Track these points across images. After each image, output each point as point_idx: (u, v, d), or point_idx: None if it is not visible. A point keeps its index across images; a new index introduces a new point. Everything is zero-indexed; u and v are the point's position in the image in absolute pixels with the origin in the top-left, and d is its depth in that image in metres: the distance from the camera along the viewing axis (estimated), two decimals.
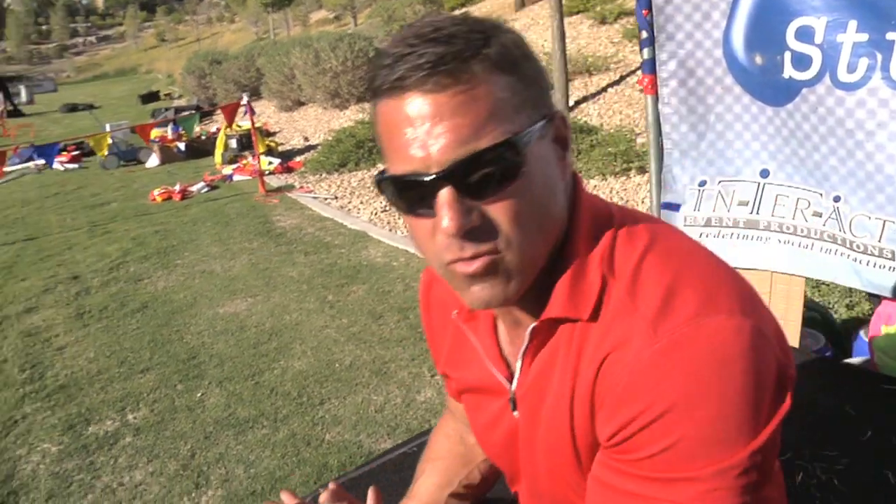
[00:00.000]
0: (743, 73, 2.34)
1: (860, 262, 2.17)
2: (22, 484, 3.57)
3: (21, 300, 6.37)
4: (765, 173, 2.39)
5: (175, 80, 34.23)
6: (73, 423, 4.07)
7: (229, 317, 5.47)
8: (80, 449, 3.80)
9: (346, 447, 3.53)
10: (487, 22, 0.87)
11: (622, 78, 9.73)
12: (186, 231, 8.28)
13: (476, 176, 0.81)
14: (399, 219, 7.64)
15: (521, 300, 0.91)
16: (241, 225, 8.31)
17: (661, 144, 2.61)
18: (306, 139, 13.89)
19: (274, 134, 15.12)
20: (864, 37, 2.00)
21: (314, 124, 15.28)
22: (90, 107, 29.29)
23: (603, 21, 12.18)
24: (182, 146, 13.79)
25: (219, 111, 13.17)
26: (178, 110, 19.02)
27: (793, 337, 2.63)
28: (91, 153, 12.75)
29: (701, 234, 2.55)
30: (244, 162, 11.73)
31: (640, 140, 7.45)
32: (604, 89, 9.74)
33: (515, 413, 1.04)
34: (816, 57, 2.09)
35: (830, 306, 4.11)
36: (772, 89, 2.25)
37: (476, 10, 18.49)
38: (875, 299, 2.54)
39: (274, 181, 10.70)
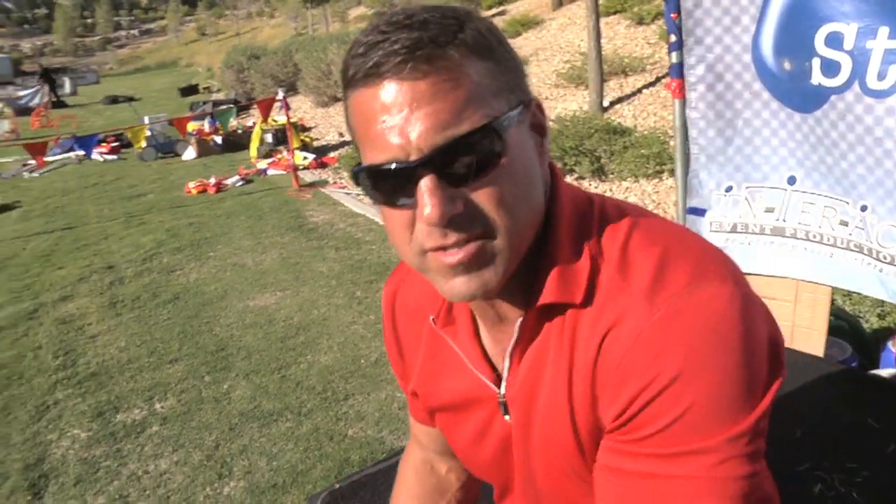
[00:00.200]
0: (771, 78, 2.32)
1: (887, 272, 2.14)
2: (52, 468, 3.64)
3: (57, 288, 6.49)
4: (792, 180, 2.36)
5: (214, 74, 34.60)
6: (103, 411, 4.14)
7: (258, 310, 5.52)
8: (108, 436, 3.87)
9: (368, 443, 3.55)
10: (459, 9, 0.85)
11: (658, 79, 9.65)
12: (220, 224, 8.37)
13: (458, 162, 0.79)
14: None
15: (506, 293, 0.90)
16: (273, 219, 8.38)
17: (688, 149, 2.59)
18: (341, 135, 13.96)
19: (309, 129, 15.20)
20: (894, 44, 1.97)
21: None
22: (130, 99, 29.71)
23: (640, 22, 12.09)
24: (218, 139, 13.94)
25: (255, 106, 13.29)
26: (215, 104, 19.23)
27: (818, 346, 2.60)
28: (130, 145, 12.95)
29: (727, 240, 2.53)
30: (279, 156, 11.83)
31: (673, 142, 7.37)
32: (639, 90, 9.67)
33: (507, 417, 1.00)
34: (846, 63, 2.06)
35: (861, 315, 4.06)
36: (800, 95, 2.23)
37: (513, 9, 18.44)
38: None
39: (308, 176, 10.78)
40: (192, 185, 10.43)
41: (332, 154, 12.17)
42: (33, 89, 30.95)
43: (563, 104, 10.11)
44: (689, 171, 2.60)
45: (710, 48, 2.43)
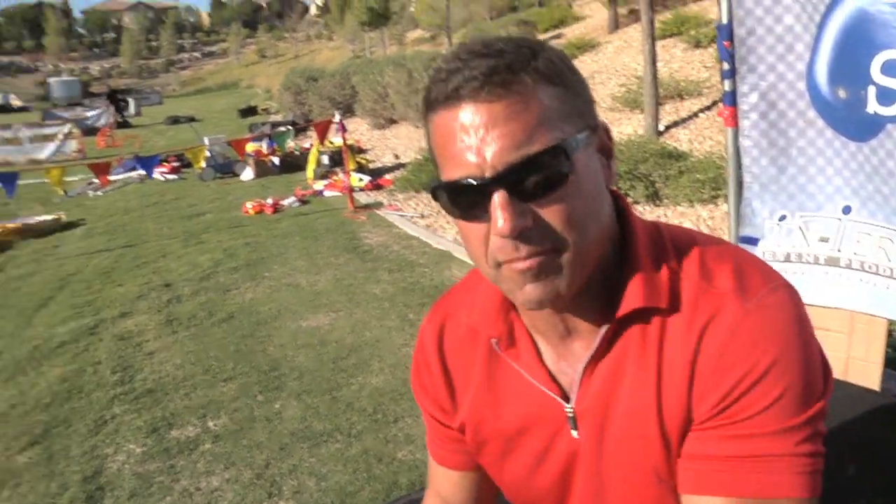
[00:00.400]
0: (826, 106, 2.29)
1: None
2: (108, 481, 3.72)
3: (117, 305, 6.65)
4: (847, 210, 2.33)
5: (273, 96, 35.19)
6: (157, 427, 4.23)
7: (311, 330, 5.58)
8: (163, 452, 3.94)
9: (416, 466, 3.56)
10: (532, 40, 0.93)
11: (714, 103, 9.56)
12: (276, 244, 8.49)
13: (529, 179, 0.85)
14: None
15: (580, 307, 0.97)
16: (328, 240, 8.48)
17: (741, 177, 2.57)
18: (397, 157, 14.08)
19: (365, 151, 15.37)
20: None
21: (405, 142, 15.48)
22: (191, 119, 30.39)
23: (697, 45, 12.01)
24: (276, 160, 14.17)
25: (312, 128, 13.49)
26: (274, 125, 19.54)
27: (873, 379, 2.55)
28: (190, 164, 13.23)
29: (780, 270, 2.49)
30: (335, 178, 11.97)
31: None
32: (695, 114, 9.59)
33: (575, 433, 1.02)
34: None
35: None
36: (855, 124, 2.20)
37: (569, 32, 18.49)
38: None
39: (363, 198, 10.89)
40: (249, 205, 10.61)
41: (387, 176, 12.28)
42: (99, 110, 31.88)
43: (618, 128, 10.07)
44: (742, 200, 2.58)
45: (763, 76, 2.42)
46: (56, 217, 10.89)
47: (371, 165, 13.36)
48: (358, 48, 43.92)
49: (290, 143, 14.86)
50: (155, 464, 3.83)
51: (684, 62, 11.71)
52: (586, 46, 15.18)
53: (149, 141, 24.45)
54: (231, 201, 11.56)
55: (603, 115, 10.81)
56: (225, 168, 14.22)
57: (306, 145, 15.40)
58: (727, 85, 2.49)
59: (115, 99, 35.60)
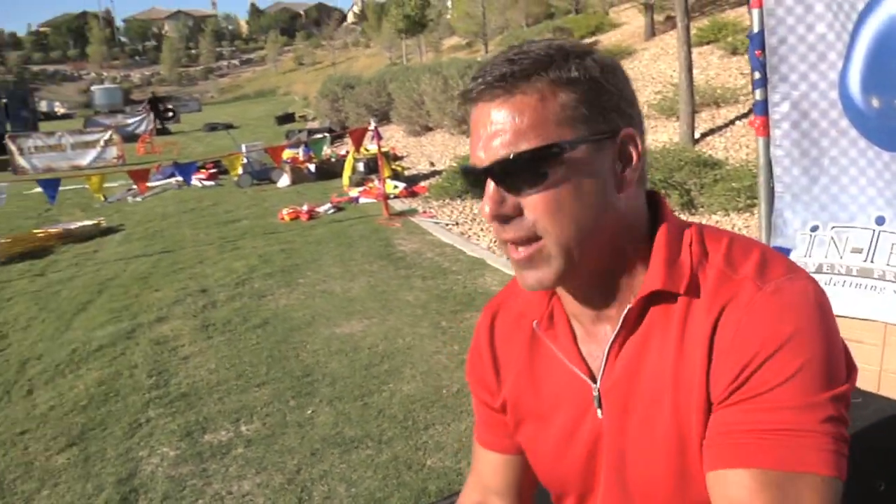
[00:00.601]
0: (859, 116, 2.27)
1: None
2: (142, 483, 3.78)
3: (154, 310, 6.75)
4: (880, 220, 2.30)
5: (310, 103, 35.47)
6: (191, 431, 4.28)
7: (345, 337, 5.62)
8: (195, 455, 3.99)
9: (445, 474, 3.57)
10: (572, 47, 0.99)
11: (751, 111, 9.41)
12: (310, 251, 8.56)
13: (512, 174, 0.96)
14: None
15: (606, 291, 1.04)
16: (363, 247, 8.53)
17: (773, 187, 2.55)
18: (432, 164, 14.13)
19: (401, 158, 15.45)
20: None
21: (441, 150, 15.54)
22: (228, 126, 30.71)
23: (734, 52, 11.90)
24: (312, 167, 14.28)
25: (348, 135, 13.59)
26: (310, 132, 19.70)
27: None
28: (227, 171, 13.39)
29: None
30: (370, 185, 12.04)
31: None
32: (731, 122, 9.51)
33: (599, 413, 1.07)
34: None
35: None
36: (888, 133, 2.17)
37: (605, 39, 18.42)
38: None
39: (398, 205, 10.95)
40: (285, 211, 10.71)
41: (422, 183, 12.33)
42: (140, 117, 32.36)
43: (653, 136, 10.01)
44: (774, 210, 2.56)
45: (795, 85, 2.40)
46: (96, 222, 11.08)
47: (406, 172, 13.43)
48: (395, 55, 44.12)
49: (327, 150, 14.98)
50: (188, 467, 3.88)
51: (721, 69, 11.62)
52: (622, 54, 15.12)
53: (187, 147, 24.78)
54: (267, 208, 11.67)
55: None
56: (262, 175, 14.35)
57: (342, 152, 15.52)
58: (758, 94, 2.48)
59: (157, 106, 36.11)
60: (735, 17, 13.84)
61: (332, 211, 10.91)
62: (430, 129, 17.72)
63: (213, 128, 32.54)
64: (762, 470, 0.88)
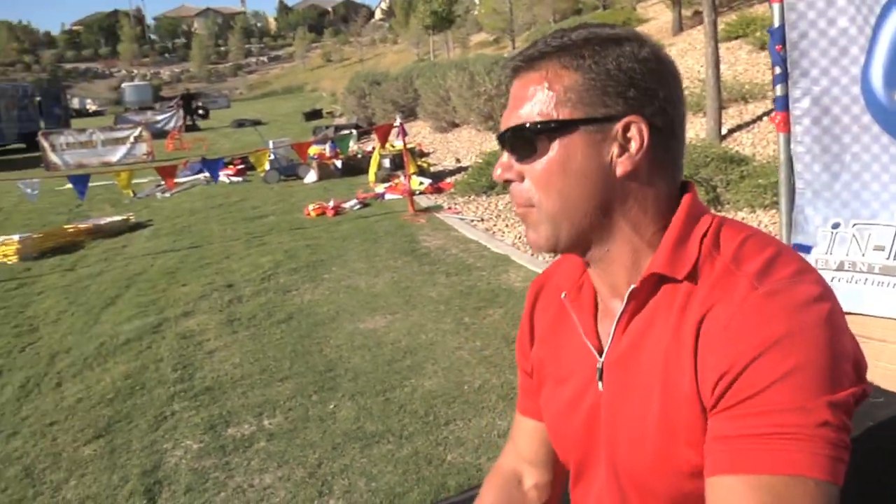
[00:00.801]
0: (882, 111, 2.24)
1: None
2: (165, 475, 3.82)
3: (180, 304, 6.82)
4: None
5: (337, 99, 35.59)
6: (215, 424, 4.32)
7: (368, 332, 5.64)
8: (218, 449, 4.03)
9: (465, 469, 3.58)
10: (607, 35, 1.03)
11: None
12: (335, 246, 8.60)
13: (514, 144, 1.06)
14: None
15: (616, 270, 1.07)
16: (388, 243, 8.55)
17: (794, 184, 2.53)
18: (458, 160, 14.14)
19: (427, 154, 15.46)
20: None
21: (467, 146, 15.53)
22: (256, 123, 30.90)
23: (762, 47, 11.76)
24: (338, 164, 14.33)
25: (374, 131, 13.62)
26: (337, 128, 19.77)
27: None
28: (255, 167, 13.48)
29: (833, 279, 2.44)
30: (396, 181, 12.06)
31: None
32: (759, 118, 9.41)
33: (600, 385, 1.10)
34: None
35: None
36: None
37: None
38: None
39: (423, 201, 10.96)
40: (311, 207, 10.76)
41: (448, 179, 12.34)
42: (169, 114, 32.67)
43: None
44: (794, 207, 2.54)
45: (816, 80, 2.38)
46: (125, 218, 11.20)
47: (432, 169, 13.44)
48: (422, 52, 44.17)
49: (353, 147, 15.02)
50: (211, 460, 3.92)
51: (749, 64, 11.50)
52: None
53: (215, 144, 24.97)
54: (293, 203, 11.74)
55: None
56: (288, 171, 14.43)
57: (369, 148, 15.56)
58: (779, 90, 2.46)
59: (189, 102, 36.46)
60: (763, 12, 13.68)
61: (357, 207, 10.95)
62: (456, 126, 17.71)
63: (240, 124, 32.81)
64: (755, 475, 0.88)
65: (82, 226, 10.68)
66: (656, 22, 19.82)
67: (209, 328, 6.07)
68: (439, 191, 11.66)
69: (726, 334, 0.91)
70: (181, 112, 32.99)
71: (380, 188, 12.03)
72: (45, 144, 21.82)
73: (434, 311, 5.99)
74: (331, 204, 10.78)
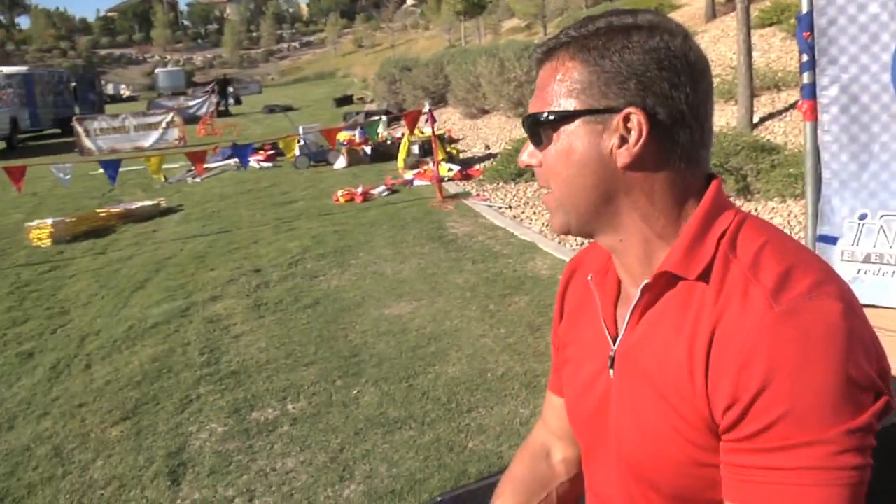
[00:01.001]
0: None
1: None
2: (190, 457, 3.87)
3: (208, 288, 6.88)
4: None
5: (369, 85, 35.62)
6: (239, 408, 4.36)
7: (393, 318, 5.66)
8: (242, 432, 4.07)
9: (486, 457, 3.58)
10: (621, 23, 1.02)
11: None
12: (363, 232, 8.63)
13: (528, 132, 1.08)
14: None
15: (633, 262, 1.07)
16: (415, 229, 8.56)
17: (820, 174, 2.48)
18: (487, 147, 14.09)
19: (457, 141, 15.43)
20: None
21: (496, 132, 15.47)
22: (287, 109, 31.01)
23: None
24: (368, 150, 14.34)
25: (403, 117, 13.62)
26: (367, 114, 19.78)
27: None
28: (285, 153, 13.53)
29: (859, 271, 2.40)
30: (425, 167, 12.05)
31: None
32: (791, 106, 9.26)
33: (611, 373, 1.11)
34: None
35: None
36: None
37: None
38: None
39: (452, 188, 10.95)
40: (340, 193, 10.79)
41: (477, 166, 12.32)
42: (201, 99, 32.89)
43: None
44: (821, 197, 2.50)
45: (844, 68, 2.33)
46: (156, 203, 11.31)
47: (461, 155, 13.42)
48: (454, 38, 44.04)
49: (383, 133, 15.03)
50: (234, 443, 3.96)
51: (783, 52, 11.32)
52: None
53: (247, 129, 25.11)
54: (323, 189, 11.77)
55: None
56: (318, 156, 14.46)
57: (398, 135, 15.55)
58: (806, 77, 2.41)
59: (224, 88, 36.70)
60: None
61: (386, 193, 10.96)
62: (486, 112, 17.63)
63: (271, 110, 32.98)
64: None
65: (114, 210, 10.80)
66: (689, 8, 19.58)
67: (236, 312, 6.12)
68: (468, 177, 11.64)
69: (740, 358, 0.90)
70: (213, 97, 33.19)
71: (408, 174, 12.03)
72: (79, 130, 22.07)
73: (459, 298, 5.99)
74: (359, 190, 10.80)
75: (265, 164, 15.15)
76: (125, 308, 6.54)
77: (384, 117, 17.19)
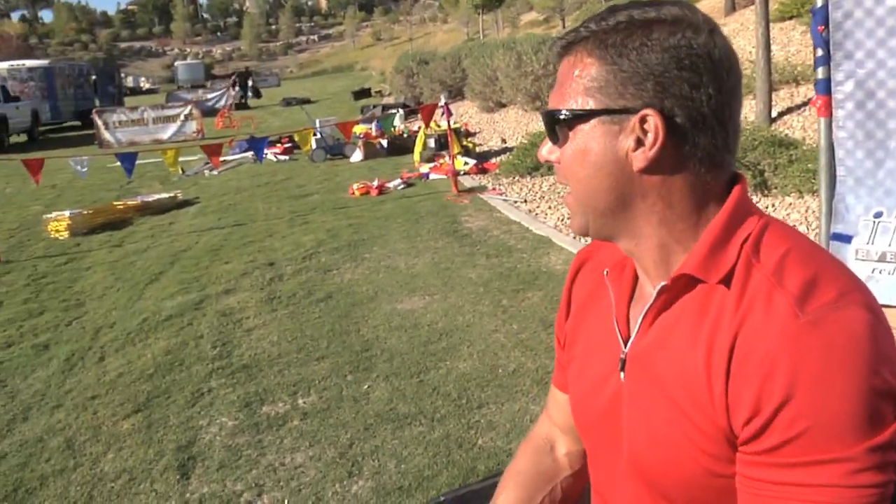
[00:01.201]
0: None
1: None
2: (200, 451, 3.87)
3: (222, 281, 6.89)
4: None
5: (387, 78, 35.61)
6: (250, 402, 4.36)
7: (405, 313, 5.64)
8: (252, 426, 4.07)
9: (495, 454, 3.56)
10: (643, 17, 0.97)
11: None
12: (378, 226, 8.61)
13: (546, 128, 1.06)
14: None
15: (655, 261, 1.04)
16: (429, 223, 8.54)
17: (834, 171, 2.44)
18: (504, 141, 14.05)
19: (473, 135, 15.39)
20: None
21: (513, 126, 15.43)
22: (304, 102, 31.06)
23: None
24: (384, 143, 14.33)
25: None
26: (385, 108, 19.76)
27: None
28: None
29: (874, 270, 2.36)
30: (441, 161, 12.02)
31: None
32: (811, 100, 9.16)
33: (622, 376, 1.08)
34: None
35: None
36: None
37: None
38: None
39: (468, 181, 10.93)
40: (355, 186, 10.78)
41: (493, 160, 12.28)
42: (219, 92, 33.01)
43: None
44: (835, 195, 2.45)
45: (860, 63, 2.28)
46: (173, 195, 11.35)
47: (478, 149, 13.37)
48: (472, 31, 43.95)
49: (399, 126, 15.01)
50: (244, 437, 3.96)
51: (802, 45, 11.20)
52: None
53: (264, 122, 25.16)
54: (338, 182, 11.78)
55: None
56: (335, 150, 14.46)
57: (415, 128, 15.53)
58: (821, 73, 2.37)
59: (246, 80, 36.83)
60: None
61: (401, 186, 10.94)
62: (503, 106, 17.59)
63: (288, 103, 33.02)
64: None
65: (131, 202, 10.85)
66: (708, 2, 19.39)
67: (249, 306, 6.12)
68: (484, 171, 11.61)
69: (764, 367, 0.87)
70: (231, 90, 33.30)
71: (424, 168, 12.01)
72: (99, 122, 22.22)
73: (472, 293, 5.97)
74: (375, 183, 10.78)
75: (282, 157, 15.17)
76: (140, 300, 6.56)
77: (401, 111, 17.17)
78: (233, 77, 39.96)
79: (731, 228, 0.98)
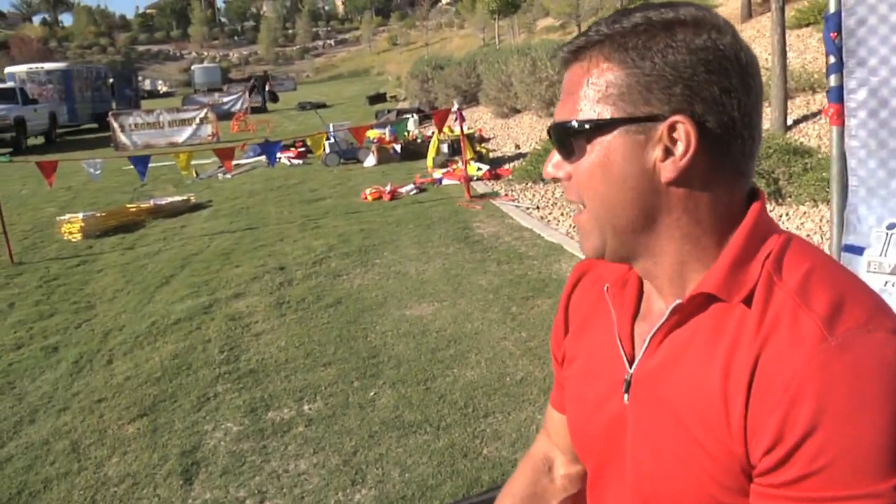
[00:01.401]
0: None
1: None
2: (204, 456, 3.86)
3: (232, 285, 6.89)
4: None
5: (402, 83, 35.67)
6: (255, 407, 4.34)
7: (414, 319, 5.61)
8: (257, 432, 4.04)
9: (500, 464, 3.52)
10: (662, 19, 0.91)
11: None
12: (389, 231, 8.59)
13: (556, 142, 0.98)
14: None
15: (668, 279, 0.97)
16: (441, 229, 8.51)
17: (846, 181, 2.39)
18: (517, 147, 14.01)
19: (487, 140, 15.36)
20: None
21: (527, 132, 15.39)
22: (318, 106, 31.17)
23: None
24: (398, 148, 14.32)
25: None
26: (399, 112, 19.75)
27: None
28: None
29: (886, 283, 2.31)
30: (454, 167, 11.99)
31: None
32: (823, 109, 9.09)
33: (626, 398, 1.02)
34: None
35: None
36: None
37: None
38: None
39: (480, 187, 10.89)
40: (368, 191, 10.77)
41: (506, 166, 12.24)
42: (235, 95, 33.14)
43: None
44: (847, 206, 2.40)
45: (874, 70, 2.23)
46: (185, 198, 11.38)
47: (491, 155, 13.34)
48: (488, 36, 43.97)
49: (413, 131, 14.99)
50: (249, 443, 3.93)
51: (819, 53, 11.10)
52: None
53: (279, 126, 25.24)
54: (351, 187, 11.77)
55: None
56: (349, 154, 14.46)
57: (429, 133, 15.51)
58: (833, 80, 2.32)
59: (264, 83, 37.00)
60: None
61: (414, 192, 10.92)
62: (517, 112, 17.55)
63: (303, 107, 33.14)
64: None
65: (144, 205, 10.88)
66: (725, 8, 19.27)
67: (258, 310, 6.11)
68: (497, 177, 11.57)
69: (789, 394, 0.81)
70: (248, 95, 33.43)
71: (437, 173, 11.98)
72: (115, 125, 22.33)
73: (482, 300, 5.93)
74: (388, 188, 10.77)
75: (296, 161, 15.18)
76: (149, 304, 6.57)
77: (415, 115, 17.15)
78: (251, 81, 40.15)
79: (753, 245, 0.92)
